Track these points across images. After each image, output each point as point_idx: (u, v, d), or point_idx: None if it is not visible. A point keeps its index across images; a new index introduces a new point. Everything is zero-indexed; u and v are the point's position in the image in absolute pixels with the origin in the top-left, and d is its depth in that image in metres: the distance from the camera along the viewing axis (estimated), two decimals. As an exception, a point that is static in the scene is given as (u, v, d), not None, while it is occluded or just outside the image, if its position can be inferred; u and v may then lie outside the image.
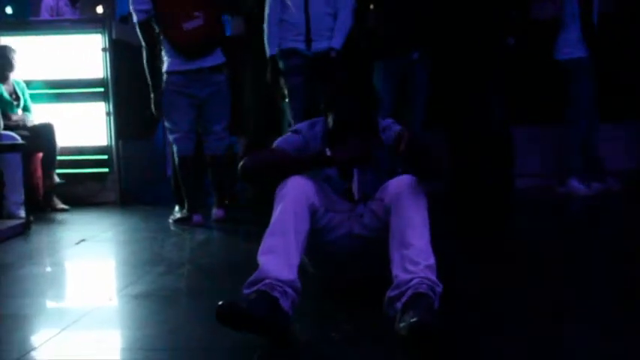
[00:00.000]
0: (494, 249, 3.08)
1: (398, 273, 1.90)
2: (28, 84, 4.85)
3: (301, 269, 1.96)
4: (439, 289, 1.88)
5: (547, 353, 1.73)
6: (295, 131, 2.32)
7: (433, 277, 1.88)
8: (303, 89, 4.02)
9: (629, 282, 2.46)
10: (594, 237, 3.40)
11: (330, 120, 2.25)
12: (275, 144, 2.28)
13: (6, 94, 4.65)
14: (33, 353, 1.81)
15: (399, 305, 1.83)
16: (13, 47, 4.72)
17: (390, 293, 1.89)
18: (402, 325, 1.74)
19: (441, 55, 4.32)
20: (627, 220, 3.86)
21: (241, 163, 2.16)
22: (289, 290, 1.84)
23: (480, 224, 3.71)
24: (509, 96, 4.48)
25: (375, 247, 2.07)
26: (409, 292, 1.83)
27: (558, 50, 4.66)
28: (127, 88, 5.06)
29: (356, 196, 2.22)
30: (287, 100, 4.11)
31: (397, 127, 2.29)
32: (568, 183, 4.63)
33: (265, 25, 4.05)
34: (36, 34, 5.06)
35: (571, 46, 4.60)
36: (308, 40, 3.99)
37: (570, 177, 4.63)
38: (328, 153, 2.09)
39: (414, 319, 1.69)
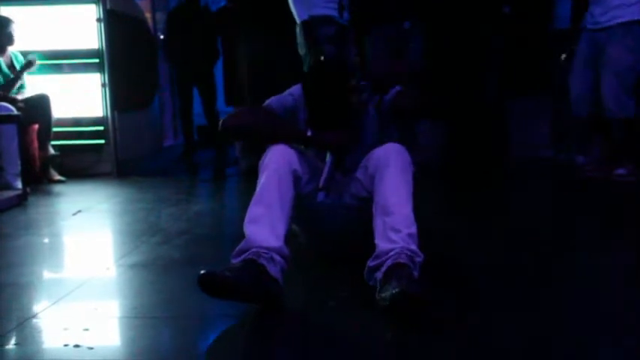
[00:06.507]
0: (489, 223, 3.10)
1: (379, 242, 1.91)
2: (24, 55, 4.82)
3: (293, 239, 1.97)
4: (419, 259, 1.87)
5: (529, 323, 1.75)
6: (291, 94, 2.32)
7: (414, 247, 1.88)
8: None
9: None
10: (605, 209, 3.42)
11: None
12: (268, 101, 2.28)
13: (4, 67, 4.62)
14: (31, 321, 1.84)
15: (378, 275, 1.84)
16: (11, 19, 4.69)
17: (370, 263, 1.90)
18: (382, 295, 1.75)
19: (434, 25, 4.26)
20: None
21: (224, 118, 2.17)
22: (277, 257, 1.86)
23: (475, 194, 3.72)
24: (505, 66, 4.46)
25: (367, 216, 2.05)
26: (388, 262, 1.83)
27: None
28: (122, 59, 5.04)
29: (321, 184, 2.17)
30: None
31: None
32: (592, 153, 4.60)
33: None
34: (30, 5, 5.01)
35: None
36: (341, 7, 3.83)
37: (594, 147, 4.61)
38: (309, 133, 2.12)
39: (396, 290, 1.68)
